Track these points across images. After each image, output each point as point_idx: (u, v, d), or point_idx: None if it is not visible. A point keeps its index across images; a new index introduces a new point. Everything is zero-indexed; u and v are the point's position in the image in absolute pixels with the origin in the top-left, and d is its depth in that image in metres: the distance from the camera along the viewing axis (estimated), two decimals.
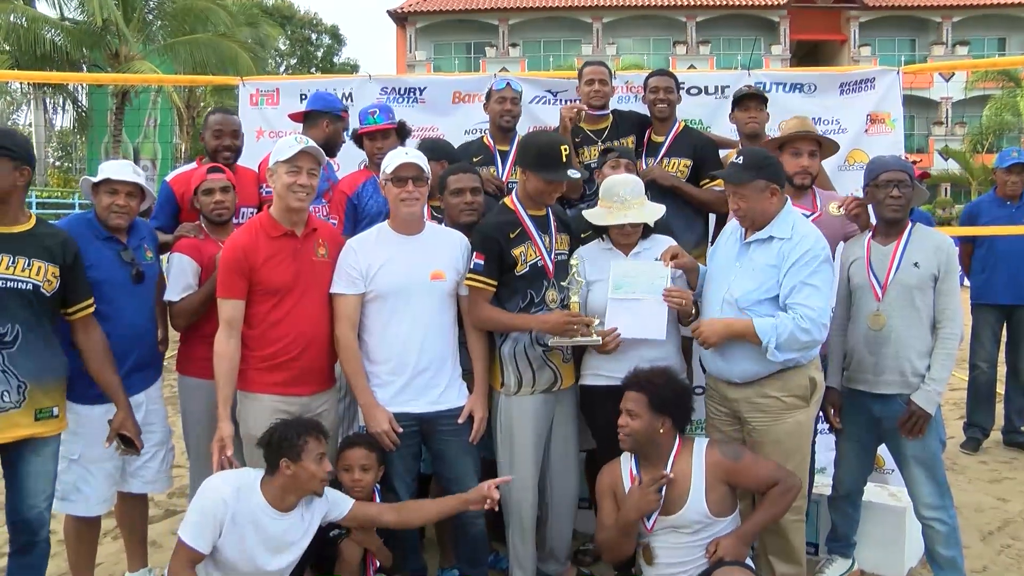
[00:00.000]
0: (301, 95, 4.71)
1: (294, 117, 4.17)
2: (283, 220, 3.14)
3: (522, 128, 4.25)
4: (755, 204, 3.03)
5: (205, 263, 3.39)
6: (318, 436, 2.87)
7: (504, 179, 4.02)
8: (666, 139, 4.09)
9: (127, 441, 3.02)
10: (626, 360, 3.19)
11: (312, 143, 3.14)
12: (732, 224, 3.27)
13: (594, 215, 3.33)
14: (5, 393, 2.70)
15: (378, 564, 3.14)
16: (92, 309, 2.99)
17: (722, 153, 4.18)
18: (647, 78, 4.23)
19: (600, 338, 3.14)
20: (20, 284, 2.74)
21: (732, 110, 4.22)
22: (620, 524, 2.93)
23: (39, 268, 2.78)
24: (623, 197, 3.24)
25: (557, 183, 3.23)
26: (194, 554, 2.72)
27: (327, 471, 2.86)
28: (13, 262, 2.74)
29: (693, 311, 3.23)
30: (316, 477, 2.82)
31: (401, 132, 4.03)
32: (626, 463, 3.06)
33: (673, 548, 2.93)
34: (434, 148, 3.74)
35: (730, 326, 3.01)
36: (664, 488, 2.90)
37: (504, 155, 4.09)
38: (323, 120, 3.98)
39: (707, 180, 3.95)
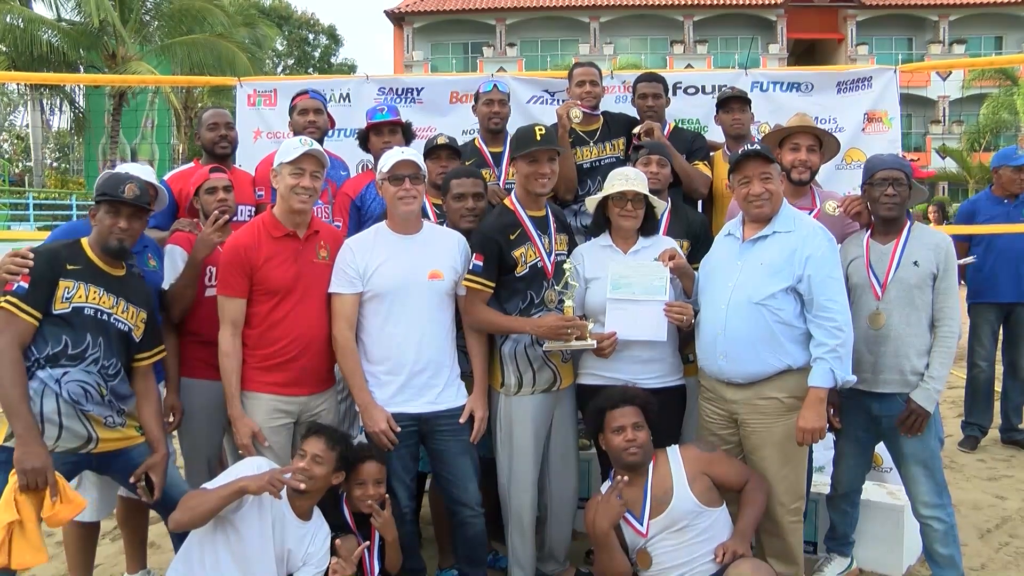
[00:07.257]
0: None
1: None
2: (286, 221, 3.14)
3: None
4: (778, 187, 3.08)
5: None
6: (312, 437, 2.92)
7: (502, 180, 4.01)
8: None
9: (150, 485, 2.98)
10: (622, 359, 3.21)
11: (316, 145, 3.14)
12: (727, 227, 3.29)
13: (595, 197, 3.35)
14: (110, 417, 2.88)
15: (377, 568, 3.11)
16: (163, 355, 3.12)
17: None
18: (636, 82, 4.23)
19: (595, 342, 3.14)
20: (121, 325, 2.91)
21: (716, 112, 4.23)
22: (598, 541, 2.96)
23: (133, 312, 2.95)
24: (627, 175, 3.27)
25: (534, 159, 3.20)
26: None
27: (299, 467, 2.84)
28: (116, 303, 2.90)
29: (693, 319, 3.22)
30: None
31: (406, 133, 4.04)
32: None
33: (673, 550, 2.94)
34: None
35: (813, 395, 2.95)
36: (649, 491, 2.97)
37: (496, 156, 4.08)
38: None
39: (698, 162, 4.00)
